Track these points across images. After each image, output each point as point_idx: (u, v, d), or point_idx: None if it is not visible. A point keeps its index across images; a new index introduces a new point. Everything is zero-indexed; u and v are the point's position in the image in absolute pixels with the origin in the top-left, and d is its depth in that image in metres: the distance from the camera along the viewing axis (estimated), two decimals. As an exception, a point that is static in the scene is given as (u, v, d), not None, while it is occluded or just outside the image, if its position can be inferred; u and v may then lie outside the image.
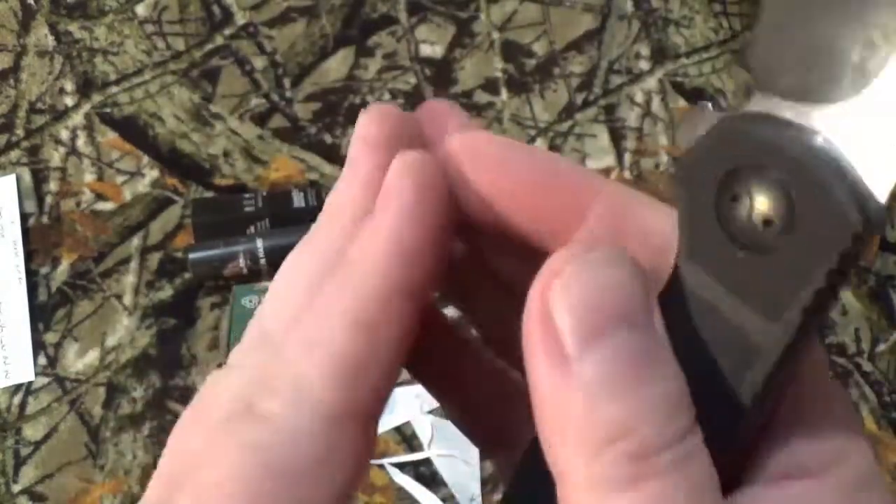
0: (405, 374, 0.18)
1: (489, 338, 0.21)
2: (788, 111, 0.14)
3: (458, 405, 0.21)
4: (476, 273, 0.19)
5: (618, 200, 0.16)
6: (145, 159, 0.62)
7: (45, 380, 0.57)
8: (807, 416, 0.15)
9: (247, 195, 0.59)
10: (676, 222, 0.15)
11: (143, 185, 0.62)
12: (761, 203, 0.14)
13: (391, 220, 0.16)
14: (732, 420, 0.14)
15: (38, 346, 0.57)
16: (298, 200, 0.59)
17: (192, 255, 0.57)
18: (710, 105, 0.15)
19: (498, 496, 0.53)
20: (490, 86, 0.65)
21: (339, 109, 0.64)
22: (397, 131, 0.17)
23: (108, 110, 0.63)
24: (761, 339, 0.14)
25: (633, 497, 0.13)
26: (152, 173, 0.62)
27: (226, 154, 0.63)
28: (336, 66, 0.65)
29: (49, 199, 0.61)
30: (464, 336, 0.21)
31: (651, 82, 0.65)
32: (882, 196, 0.13)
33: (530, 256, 0.16)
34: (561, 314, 0.13)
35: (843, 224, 0.13)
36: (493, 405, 0.20)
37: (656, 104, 0.65)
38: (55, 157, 0.62)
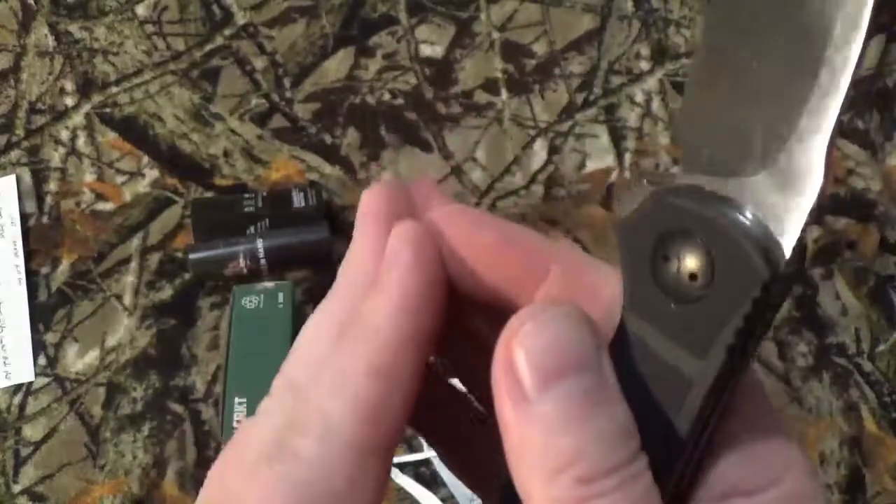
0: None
1: (468, 387, 0.23)
2: (709, 184, 0.16)
3: (447, 450, 0.24)
4: (456, 331, 0.21)
5: (573, 262, 0.19)
6: (145, 159, 0.62)
7: (45, 380, 0.57)
8: (745, 440, 0.17)
9: (247, 195, 0.59)
10: (621, 279, 0.17)
11: (143, 186, 0.62)
12: (688, 261, 0.16)
13: (395, 281, 0.18)
14: (675, 446, 0.16)
15: (38, 346, 0.57)
16: (298, 200, 0.59)
17: (192, 255, 0.57)
18: (645, 181, 0.17)
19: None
20: (490, 86, 0.65)
21: (339, 109, 0.64)
22: (394, 204, 0.20)
23: (108, 110, 0.63)
24: (693, 375, 0.16)
25: None
26: (152, 173, 0.62)
27: (226, 154, 0.63)
28: (336, 66, 0.65)
29: (49, 199, 0.61)
30: (449, 384, 0.23)
31: (651, 82, 0.65)
32: (786, 252, 0.15)
33: (500, 314, 0.18)
34: (522, 363, 0.16)
35: (754, 275, 0.15)
36: (480, 449, 0.22)
37: (656, 104, 0.65)
38: (55, 157, 0.62)
